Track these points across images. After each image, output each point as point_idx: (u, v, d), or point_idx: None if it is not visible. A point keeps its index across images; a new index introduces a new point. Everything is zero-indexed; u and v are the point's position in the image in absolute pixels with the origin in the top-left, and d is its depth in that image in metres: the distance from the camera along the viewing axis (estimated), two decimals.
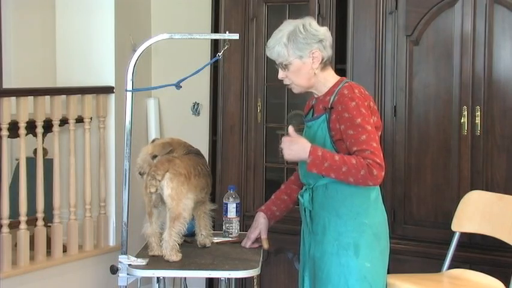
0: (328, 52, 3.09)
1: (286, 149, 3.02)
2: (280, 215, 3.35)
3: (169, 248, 3.15)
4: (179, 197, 3.15)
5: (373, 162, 2.91)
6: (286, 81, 3.11)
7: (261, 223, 3.33)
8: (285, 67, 3.06)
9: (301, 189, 3.22)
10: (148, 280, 4.47)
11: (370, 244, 3.05)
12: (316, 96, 3.17)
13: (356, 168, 2.92)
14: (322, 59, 3.06)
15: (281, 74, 3.09)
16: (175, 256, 3.15)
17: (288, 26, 3.08)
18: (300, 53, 3.04)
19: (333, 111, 3.02)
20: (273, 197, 3.38)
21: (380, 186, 3.13)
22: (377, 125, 3.07)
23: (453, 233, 3.82)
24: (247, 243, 3.36)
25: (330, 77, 3.12)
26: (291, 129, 3.06)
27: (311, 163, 2.96)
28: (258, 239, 3.35)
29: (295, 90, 3.13)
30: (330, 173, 2.96)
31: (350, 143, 2.97)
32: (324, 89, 3.11)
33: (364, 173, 2.91)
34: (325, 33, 3.09)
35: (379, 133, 3.09)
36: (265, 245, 3.33)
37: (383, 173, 2.94)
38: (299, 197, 3.17)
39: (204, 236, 3.37)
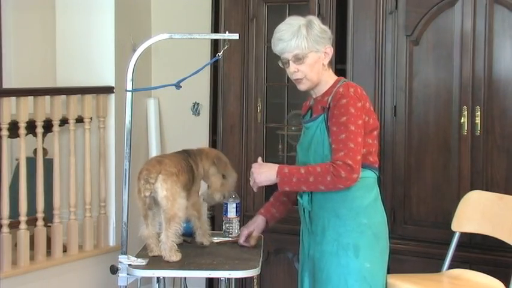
0: (332, 52, 3.13)
1: (256, 173, 3.08)
2: (279, 216, 3.38)
3: (168, 249, 3.15)
4: (174, 197, 3.15)
5: (343, 163, 2.92)
6: (298, 75, 3.08)
7: (258, 223, 3.37)
8: (300, 60, 3.05)
9: None
10: (148, 280, 4.47)
11: (369, 244, 3.05)
12: (314, 96, 3.17)
13: (322, 176, 2.95)
14: (331, 57, 3.11)
15: (293, 67, 3.07)
16: (175, 256, 3.15)
17: (297, 20, 3.09)
18: (318, 47, 3.06)
19: (330, 110, 3.04)
20: (271, 199, 3.40)
21: (379, 186, 3.15)
22: (373, 126, 3.08)
23: (453, 233, 3.82)
24: (240, 238, 3.40)
25: (331, 77, 3.14)
26: (259, 159, 3.16)
27: (281, 182, 3.03)
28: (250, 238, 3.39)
29: (304, 85, 3.11)
30: (301, 186, 3.01)
31: (331, 140, 3.00)
32: (324, 88, 3.12)
33: (330, 178, 2.94)
34: (331, 33, 3.14)
35: (376, 133, 3.10)
36: (253, 242, 3.36)
37: (355, 175, 2.94)
38: (298, 197, 3.18)
39: (201, 234, 3.37)
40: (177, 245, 3.18)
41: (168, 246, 3.15)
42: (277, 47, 3.08)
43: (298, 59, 3.05)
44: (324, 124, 3.06)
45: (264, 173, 3.06)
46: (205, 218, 3.40)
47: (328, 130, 3.03)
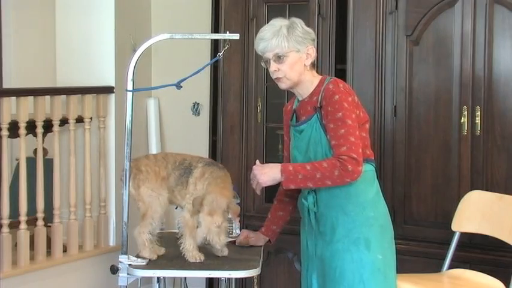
0: (316, 53, 3.16)
1: (260, 174, 3.07)
2: (280, 230, 3.41)
3: (139, 244, 3.16)
4: (140, 195, 3.17)
5: (348, 157, 2.96)
6: (278, 74, 3.11)
7: (259, 237, 3.39)
8: (280, 59, 3.08)
9: (292, 197, 3.27)
10: (148, 280, 4.47)
11: (379, 236, 3.09)
12: (300, 99, 3.18)
13: (329, 171, 2.97)
14: (313, 58, 3.13)
15: (273, 66, 3.10)
16: (144, 252, 3.15)
17: (280, 21, 3.12)
18: (299, 47, 3.09)
19: (322, 109, 3.05)
20: (269, 215, 3.41)
21: (378, 179, 3.18)
22: (364, 119, 3.11)
23: (453, 233, 3.82)
24: (238, 239, 3.43)
25: (315, 77, 3.17)
26: (257, 161, 3.16)
27: (286, 180, 3.02)
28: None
29: (284, 84, 3.14)
30: (307, 183, 3.01)
31: (330, 137, 3.03)
32: (310, 88, 3.14)
33: (338, 173, 2.96)
34: (314, 35, 3.17)
35: (367, 126, 3.13)
36: (243, 242, 3.36)
37: (360, 168, 2.98)
38: (303, 200, 3.19)
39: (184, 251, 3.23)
40: (150, 241, 3.17)
41: (139, 243, 3.16)
42: (259, 46, 3.12)
43: (279, 58, 3.08)
44: (318, 123, 3.08)
45: (268, 173, 3.06)
46: (188, 235, 3.20)
47: (324, 128, 3.04)
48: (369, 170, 3.10)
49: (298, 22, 3.12)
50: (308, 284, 3.25)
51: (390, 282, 3.13)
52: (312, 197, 3.13)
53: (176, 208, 3.32)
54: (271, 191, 3.47)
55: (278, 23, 3.10)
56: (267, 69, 3.91)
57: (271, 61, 3.10)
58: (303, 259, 3.29)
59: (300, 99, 3.19)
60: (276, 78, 3.14)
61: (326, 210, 3.12)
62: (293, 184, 3.03)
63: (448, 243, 3.81)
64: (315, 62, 3.19)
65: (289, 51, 3.07)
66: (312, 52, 3.12)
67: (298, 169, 3.01)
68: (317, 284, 3.20)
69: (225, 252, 3.20)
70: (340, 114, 3.00)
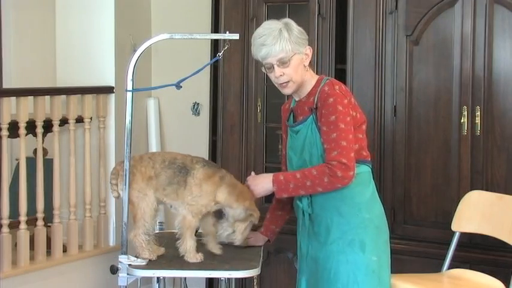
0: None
1: (253, 185, 3.11)
2: (279, 229, 3.42)
3: (137, 247, 3.16)
4: (129, 197, 3.15)
5: (338, 163, 2.94)
6: (283, 79, 3.06)
7: (258, 237, 3.39)
8: (285, 63, 3.03)
9: (290, 196, 3.25)
10: (148, 280, 4.47)
11: (374, 238, 3.09)
12: (297, 99, 3.17)
13: (319, 178, 2.97)
14: (310, 57, 3.12)
15: (278, 71, 3.04)
16: (143, 253, 3.15)
17: (274, 24, 3.07)
18: (300, 48, 3.06)
19: (317, 110, 3.04)
20: (268, 215, 3.42)
21: (374, 180, 3.18)
22: (361, 120, 3.10)
23: (453, 233, 3.82)
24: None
25: (312, 77, 3.15)
26: (253, 172, 3.20)
27: (278, 190, 3.04)
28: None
29: (289, 89, 3.09)
30: (299, 191, 3.03)
31: (323, 140, 3.02)
32: (308, 88, 3.12)
33: (328, 179, 2.96)
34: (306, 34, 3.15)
35: (364, 127, 3.12)
36: (243, 242, 3.32)
37: (351, 172, 2.97)
38: (297, 202, 3.19)
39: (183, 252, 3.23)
40: (145, 242, 3.16)
41: (137, 245, 3.16)
42: (261, 52, 3.04)
43: (284, 63, 3.03)
44: (314, 125, 3.06)
45: (260, 184, 3.10)
46: (189, 236, 3.19)
47: (319, 130, 3.04)
48: (365, 172, 3.10)
49: (292, 22, 3.08)
50: (299, 285, 3.25)
51: (384, 283, 3.13)
52: (306, 198, 3.13)
53: (171, 207, 3.27)
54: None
55: (274, 26, 3.04)
56: None
57: (275, 66, 3.04)
58: (299, 259, 3.30)
59: (297, 99, 3.17)
60: (280, 84, 3.08)
61: (321, 211, 3.11)
62: (285, 193, 3.05)
63: (448, 243, 3.81)
64: (313, 62, 3.18)
65: (292, 54, 3.03)
66: (310, 52, 3.10)
67: (288, 178, 3.02)
68: (306, 285, 3.20)
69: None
70: (334, 117, 2.98)
